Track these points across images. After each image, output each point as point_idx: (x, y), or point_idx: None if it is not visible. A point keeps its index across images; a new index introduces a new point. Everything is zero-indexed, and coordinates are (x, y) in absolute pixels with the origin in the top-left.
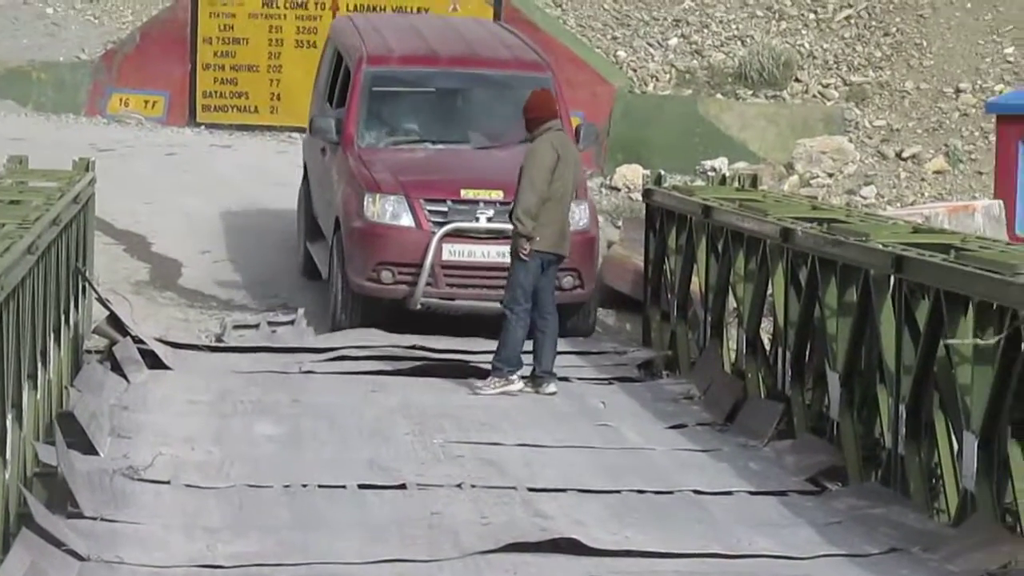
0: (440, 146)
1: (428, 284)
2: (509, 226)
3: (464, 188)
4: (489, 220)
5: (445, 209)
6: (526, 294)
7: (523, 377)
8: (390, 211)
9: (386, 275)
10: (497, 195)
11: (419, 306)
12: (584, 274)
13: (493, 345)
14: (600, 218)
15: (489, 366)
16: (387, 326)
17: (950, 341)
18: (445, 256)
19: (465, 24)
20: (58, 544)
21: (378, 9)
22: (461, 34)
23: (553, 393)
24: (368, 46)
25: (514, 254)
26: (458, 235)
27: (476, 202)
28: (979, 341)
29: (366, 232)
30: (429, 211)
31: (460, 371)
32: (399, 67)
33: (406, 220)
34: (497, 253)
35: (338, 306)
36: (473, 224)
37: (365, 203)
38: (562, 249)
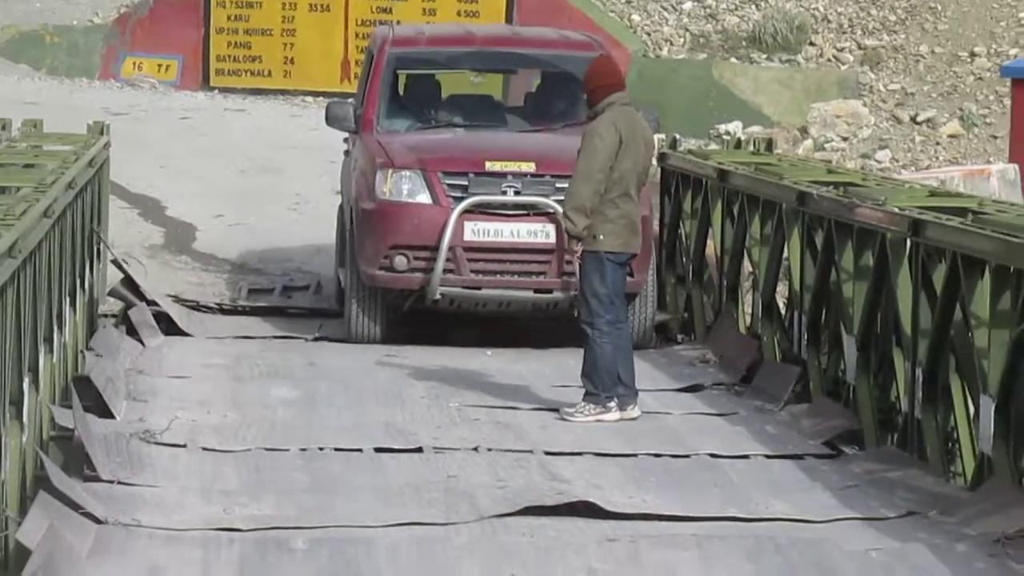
0: (472, 130)
1: (449, 271)
2: (540, 199)
3: (489, 160)
4: (517, 193)
5: (466, 183)
6: (603, 305)
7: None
8: (406, 188)
9: (400, 261)
10: (528, 167)
11: (438, 296)
12: (636, 263)
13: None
14: None
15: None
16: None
17: None
18: (467, 236)
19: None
20: (75, 507)
21: None
22: (512, 27)
23: (635, 417)
24: (397, 31)
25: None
26: (482, 212)
27: (503, 175)
28: None
29: (377, 212)
30: (448, 185)
31: (474, 338)
32: (427, 47)
33: (422, 197)
34: (528, 232)
35: (353, 309)
36: (498, 197)
37: (377, 181)
38: (633, 247)
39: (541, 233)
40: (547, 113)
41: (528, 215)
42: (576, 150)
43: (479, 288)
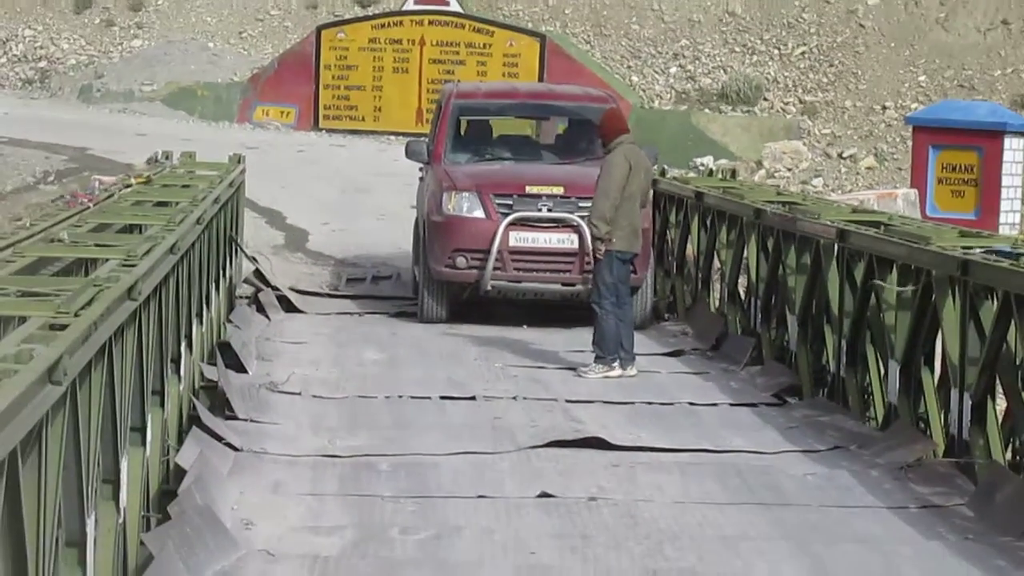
0: (516, 162)
1: (497, 268)
2: (567, 215)
3: (529, 185)
4: (549, 210)
5: (511, 202)
6: (610, 290)
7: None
8: (465, 206)
9: (460, 261)
10: (558, 190)
11: (489, 287)
12: (638, 262)
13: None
14: None
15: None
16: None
17: (876, 282)
18: (512, 242)
19: (560, 85)
20: (219, 439)
21: (452, 44)
22: (547, 84)
23: (633, 375)
24: (459, 87)
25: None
26: (523, 224)
27: (539, 196)
28: (897, 288)
29: (444, 224)
30: (498, 204)
31: (514, 317)
32: (482, 99)
33: (478, 212)
34: (558, 240)
35: (425, 297)
36: (535, 213)
37: (443, 200)
38: (635, 248)
39: (567, 240)
40: (572, 150)
41: (558, 227)
42: (594, 178)
43: (520, 282)
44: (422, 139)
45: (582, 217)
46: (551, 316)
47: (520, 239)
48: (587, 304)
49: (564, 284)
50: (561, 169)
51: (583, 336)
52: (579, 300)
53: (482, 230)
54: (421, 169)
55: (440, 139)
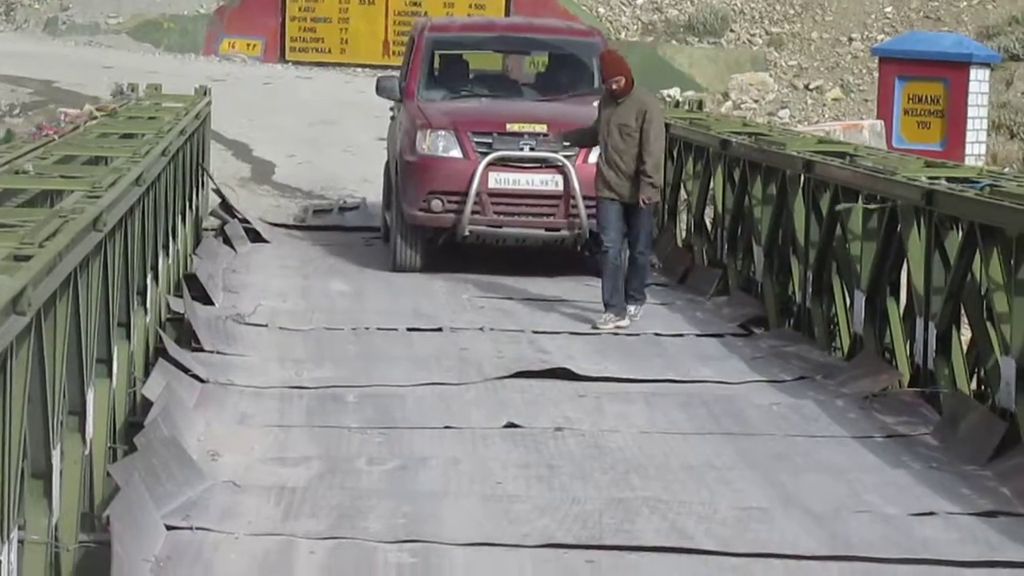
0: (494, 99)
1: (476, 212)
2: (551, 154)
3: (510, 122)
4: (532, 149)
5: (490, 141)
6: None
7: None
8: (441, 144)
9: (436, 204)
10: (541, 128)
11: (467, 233)
12: None
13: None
14: None
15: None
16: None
17: (843, 206)
18: (491, 184)
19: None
20: (185, 370)
21: None
22: (526, 18)
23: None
24: (433, 20)
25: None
26: (504, 164)
27: (521, 134)
28: (864, 206)
29: (418, 164)
30: (476, 142)
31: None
32: (458, 33)
33: (455, 152)
34: (540, 181)
35: (398, 244)
36: (517, 152)
37: (417, 139)
38: None
39: (551, 182)
40: (555, 86)
41: (541, 167)
42: (580, 115)
43: (500, 227)
44: (393, 75)
45: (567, 157)
46: (529, 261)
47: (500, 180)
48: (572, 251)
49: (548, 229)
50: (544, 106)
51: (557, 275)
52: (564, 247)
53: (459, 170)
54: (392, 108)
55: (413, 75)
